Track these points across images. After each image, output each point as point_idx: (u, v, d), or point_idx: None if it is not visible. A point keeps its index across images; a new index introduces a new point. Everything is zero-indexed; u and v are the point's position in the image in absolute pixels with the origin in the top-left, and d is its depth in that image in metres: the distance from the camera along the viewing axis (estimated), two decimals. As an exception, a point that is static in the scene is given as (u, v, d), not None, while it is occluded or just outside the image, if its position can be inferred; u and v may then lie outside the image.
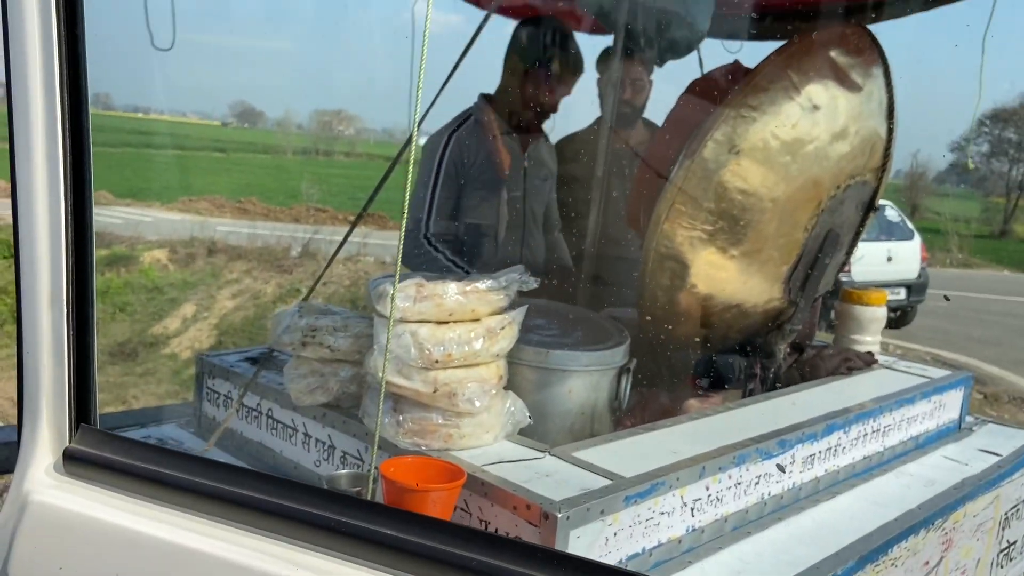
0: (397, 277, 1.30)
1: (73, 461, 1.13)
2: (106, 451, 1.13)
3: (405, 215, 1.23)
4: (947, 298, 10.61)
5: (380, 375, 1.36)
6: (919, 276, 10.19)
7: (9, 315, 9.26)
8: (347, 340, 1.63)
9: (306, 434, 1.69)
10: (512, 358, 1.56)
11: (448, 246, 2.52)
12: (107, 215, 14.75)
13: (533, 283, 1.53)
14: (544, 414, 1.62)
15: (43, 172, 1.06)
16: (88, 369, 1.13)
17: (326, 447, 1.64)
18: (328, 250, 11.44)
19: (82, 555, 1.05)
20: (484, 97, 2.66)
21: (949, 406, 2.22)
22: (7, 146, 1.12)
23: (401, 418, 1.43)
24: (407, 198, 1.29)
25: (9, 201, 1.14)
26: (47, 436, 1.13)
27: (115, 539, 1.04)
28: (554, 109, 2.67)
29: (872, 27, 2.03)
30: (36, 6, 1.02)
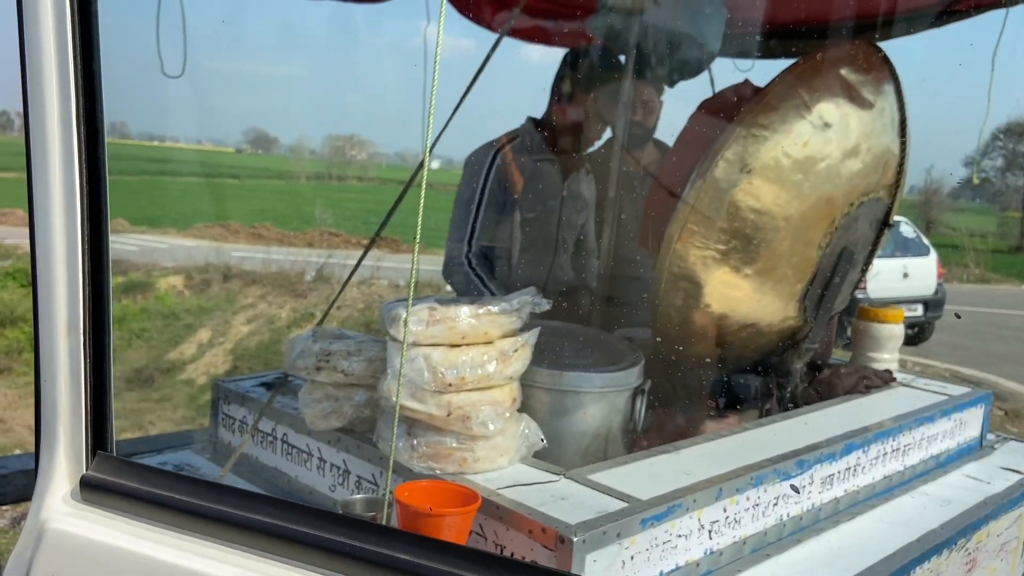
0: (410, 301, 1.30)
1: (90, 488, 1.14)
2: (123, 478, 1.13)
3: (417, 240, 1.23)
4: (958, 316, 10.52)
5: (394, 399, 1.36)
6: (936, 292, 10.11)
7: (27, 343, 9.34)
8: (361, 364, 1.64)
9: (321, 459, 1.69)
10: (526, 380, 1.55)
11: (487, 269, 2.51)
12: (124, 242, 14.91)
13: (545, 305, 1.53)
14: (558, 437, 1.61)
15: (60, 200, 1.07)
16: (105, 396, 1.14)
17: (341, 472, 1.64)
18: (342, 274, 11.48)
19: (98, 584, 1.05)
20: (532, 120, 2.68)
21: (969, 424, 2.19)
22: (25, 176, 1.13)
23: (415, 442, 1.42)
24: (420, 222, 1.29)
25: (27, 230, 1.15)
26: (64, 464, 1.14)
27: (132, 567, 1.04)
28: (599, 137, 2.68)
29: (882, 44, 2.03)
30: (53, 38, 1.04)
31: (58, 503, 1.13)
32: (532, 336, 1.51)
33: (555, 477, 1.42)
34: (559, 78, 2.64)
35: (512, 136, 2.62)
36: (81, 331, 1.09)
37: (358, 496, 1.46)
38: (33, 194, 1.08)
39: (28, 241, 1.14)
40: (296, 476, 1.75)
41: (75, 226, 1.06)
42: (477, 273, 2.48)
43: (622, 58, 2.62)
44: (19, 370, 8.69)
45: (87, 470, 1.15)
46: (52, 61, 1.04)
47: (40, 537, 1.10)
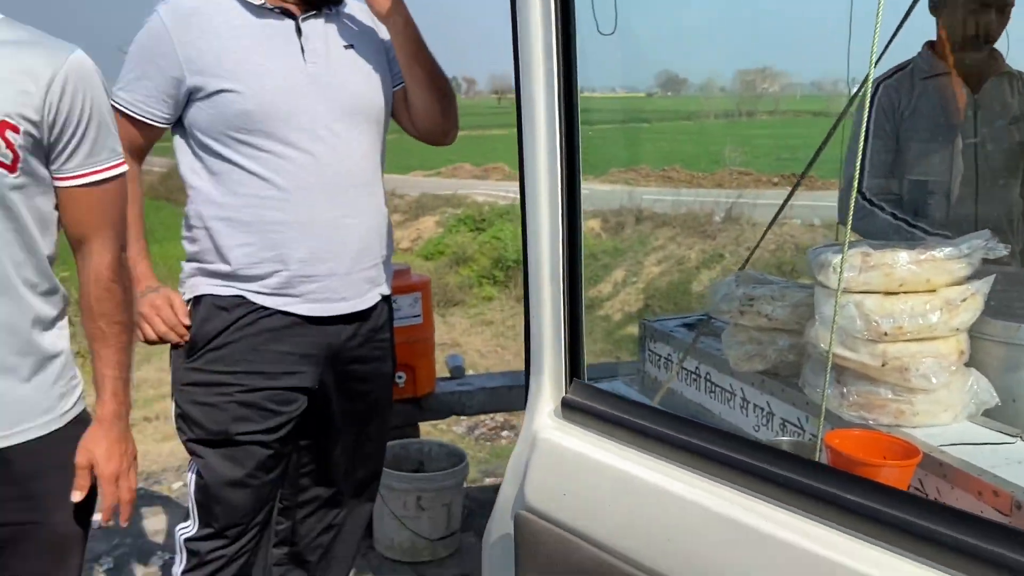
0: (846, 247, 1.28)
1: (568, 408, 1.37)
2: (594, 401, 1.34)
3: (858, 175, 1.19)
4: None
5: (823, 347, 1.35)
6: None
7: (476, 280, 10.84)
8: (785, 310, 1.64)
9: (744, 399, 1.74)
10: (974, 332, 1.42)
11: (888, 203, 2.36)
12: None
13: (1002, 250, 1.37)
14: (1014, 396, 1.44)
15: (544, 162, 1.32)
16: (579, 333, 1.36)
17: (764, 413, 1.68)
18: (751, 214, 11.22)
19: (579, 485, 1.27)
20: (927, 44, 2.44)
21: None
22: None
23: (845, 390, 1.40)
24: (860, 155, 1.24)
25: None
26: (549, 387, 1.39)
27: (604, 475, 1.24)
28: (991, 40, 2.32)
29: None
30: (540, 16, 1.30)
31: (545, 418, 1.38)
32: (985, 284, 1.37)
33: (1011, 439, 1.29)
34: None
35: (900, 66, 2.39)
36: (560, 279, 1.33)
37: (784, 438, 1.49)
38: (523, 157, 1.33)
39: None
40: (719, 413, 1.83)
41: (555, 186, 1.29)
42: (876, 203, 2.30)
43: None
44: (471, 302, 10.12)
45: (566, 393, 1.39)
46: (539, 34, 1.29)
47: (533, 444, 1.36)
